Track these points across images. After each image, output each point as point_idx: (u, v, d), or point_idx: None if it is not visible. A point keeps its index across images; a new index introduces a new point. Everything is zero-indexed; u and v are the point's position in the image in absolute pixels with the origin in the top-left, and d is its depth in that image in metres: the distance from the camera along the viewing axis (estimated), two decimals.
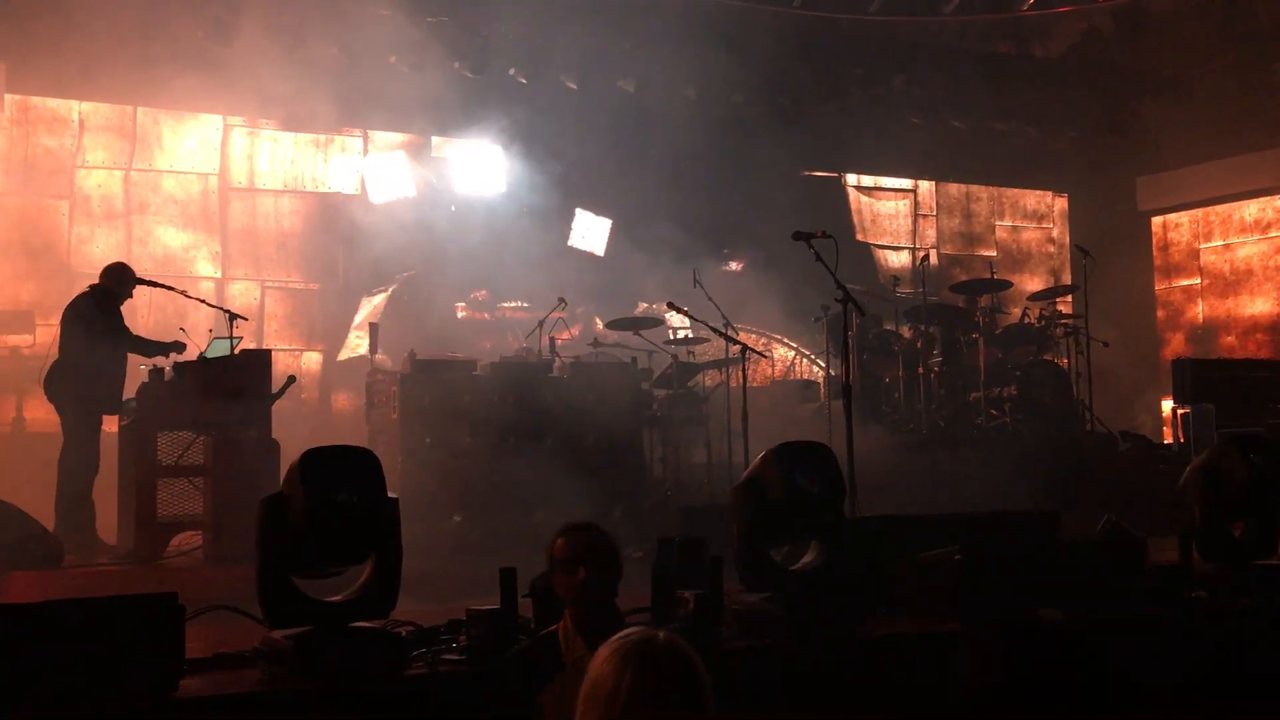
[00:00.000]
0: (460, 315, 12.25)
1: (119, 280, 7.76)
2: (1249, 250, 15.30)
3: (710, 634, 4.11)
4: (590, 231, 12.77)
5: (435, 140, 12.64)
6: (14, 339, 10.31)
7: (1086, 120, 15.03)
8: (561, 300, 9.62)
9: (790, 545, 4.62)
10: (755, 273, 12.64)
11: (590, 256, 12.65)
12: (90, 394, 7.32)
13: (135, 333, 7.79)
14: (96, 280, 7.79)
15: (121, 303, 7.76)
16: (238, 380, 6.85)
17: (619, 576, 3.53)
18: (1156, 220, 16.22)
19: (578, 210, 12.61)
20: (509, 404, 8.16)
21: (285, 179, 12.06)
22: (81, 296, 7.72)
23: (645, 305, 11.80)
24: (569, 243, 12.56)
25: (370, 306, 11.99)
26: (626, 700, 1.92)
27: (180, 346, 7.45)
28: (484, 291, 12.38)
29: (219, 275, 11.66)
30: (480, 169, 12.49)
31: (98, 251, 10.95)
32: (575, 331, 10.86)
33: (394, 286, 12.03)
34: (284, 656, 3.72)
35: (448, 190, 12.44)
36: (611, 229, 12.71)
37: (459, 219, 11.91)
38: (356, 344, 11.72)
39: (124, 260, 8.40)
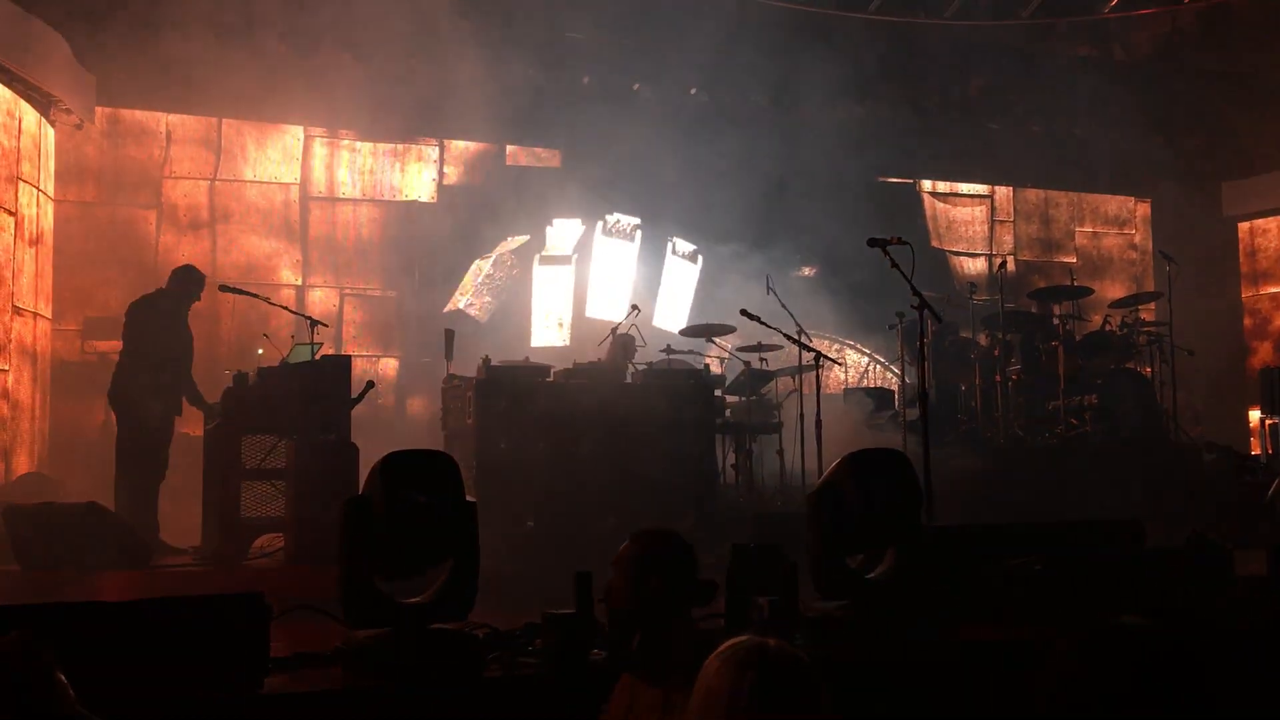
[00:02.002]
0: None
1: (182, 282, 7.93)
2: None
3: (786, 640, 4.09)
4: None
5: (510, 149, 12.78)
6: (103, 345, 10.62)
7: (1170, 124, 14.70)
8: (635, 308, 9.66)
9: (866, 553, 4.58)
10: (829, 279, 12.57)
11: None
12: (147, 398, 7.50)
13: (219, 339, 7.96)
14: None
15: (187, 306, 7.91)
16: (319, 385, 6.98)
17: (696, 586, 3.25)
18: (1243, 225, 15.78)
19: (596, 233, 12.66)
20: (583, 410, 8.20)
21: (364, 188, 12.29)
22: (143, 299, 7.92)
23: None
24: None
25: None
26: (747, 705, 1.91)
27: (214, 411, 7.50)
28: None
29: (300, 283, 11.90)
30: (546, 179, 12.65)
31: (184, 259, 11.18)
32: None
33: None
34: (365, 656, 3.78)
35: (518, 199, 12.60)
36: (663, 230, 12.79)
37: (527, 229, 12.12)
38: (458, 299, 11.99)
39: (209, 268, 8.59)
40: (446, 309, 12.13)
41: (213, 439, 7.45)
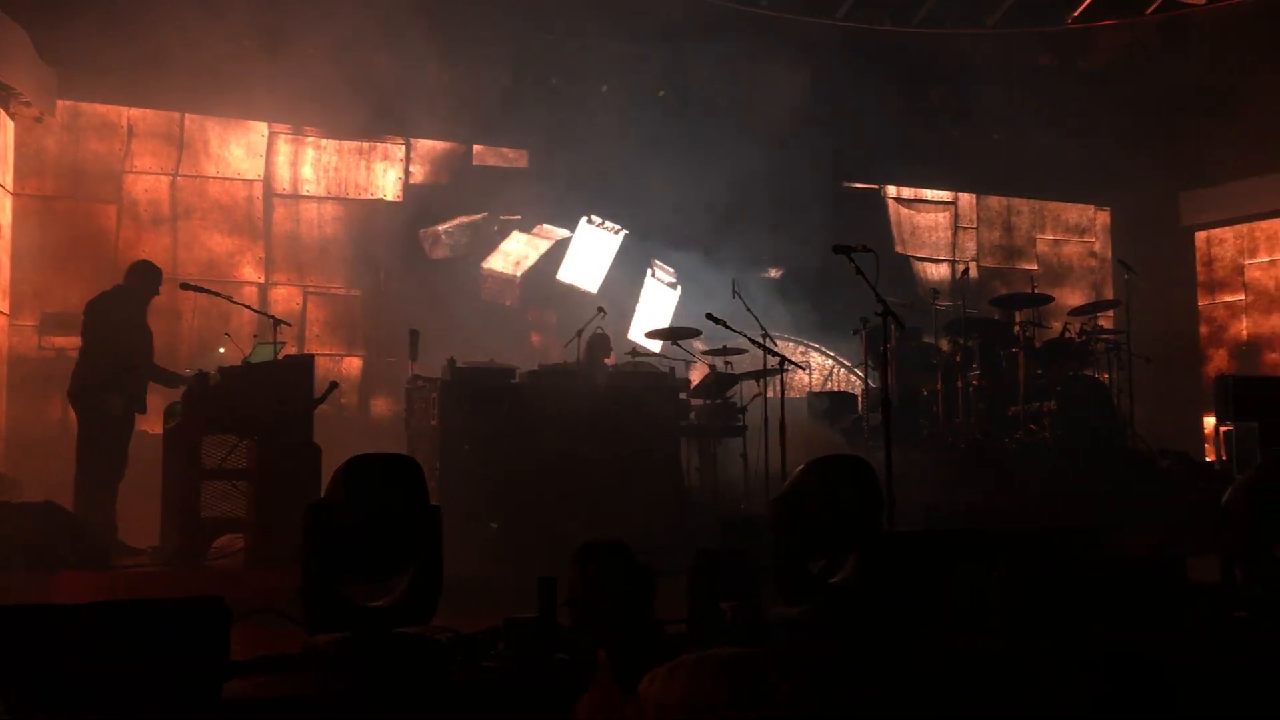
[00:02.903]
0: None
1: (139, 277, 7.85)
2: None
3: (749, 646, 4.11)
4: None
5: (477, 149, 12.75)
6: (61, 341, 10.49)
7: (1130, 134, 14.89)
8: (600, 310, 9.66)
9: (829, 558, 4.62)
10: (794, 282, 12.64)
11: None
12: (107, 395, 7.42)
13: (180, 337, 7.89)
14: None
15: (146, 302, 7.84)
16: (281, 385, 6.93)
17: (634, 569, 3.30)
18: (1200, 235, 16.03)
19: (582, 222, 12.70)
20: (548, 412, 8.20)
21: (328, 185, 12.21)
22: (102, 295, 7.84)
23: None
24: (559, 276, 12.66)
25: None
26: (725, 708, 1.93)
27: (188, 380, 7.43)
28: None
29: (263, 281, 11.80)
30: (513, 179, 12.64)
31: (144, 255, 11.05)
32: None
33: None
34: (326, 661, 3.76)
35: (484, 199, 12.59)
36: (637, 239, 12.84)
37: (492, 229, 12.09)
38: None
39: (170, 265, 8.51)
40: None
41: (173, 438, 7.38)
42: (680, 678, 2.00)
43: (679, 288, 12.91)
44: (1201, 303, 15.94)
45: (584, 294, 12.31)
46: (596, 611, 3.26)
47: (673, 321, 12.18)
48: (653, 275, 12.97)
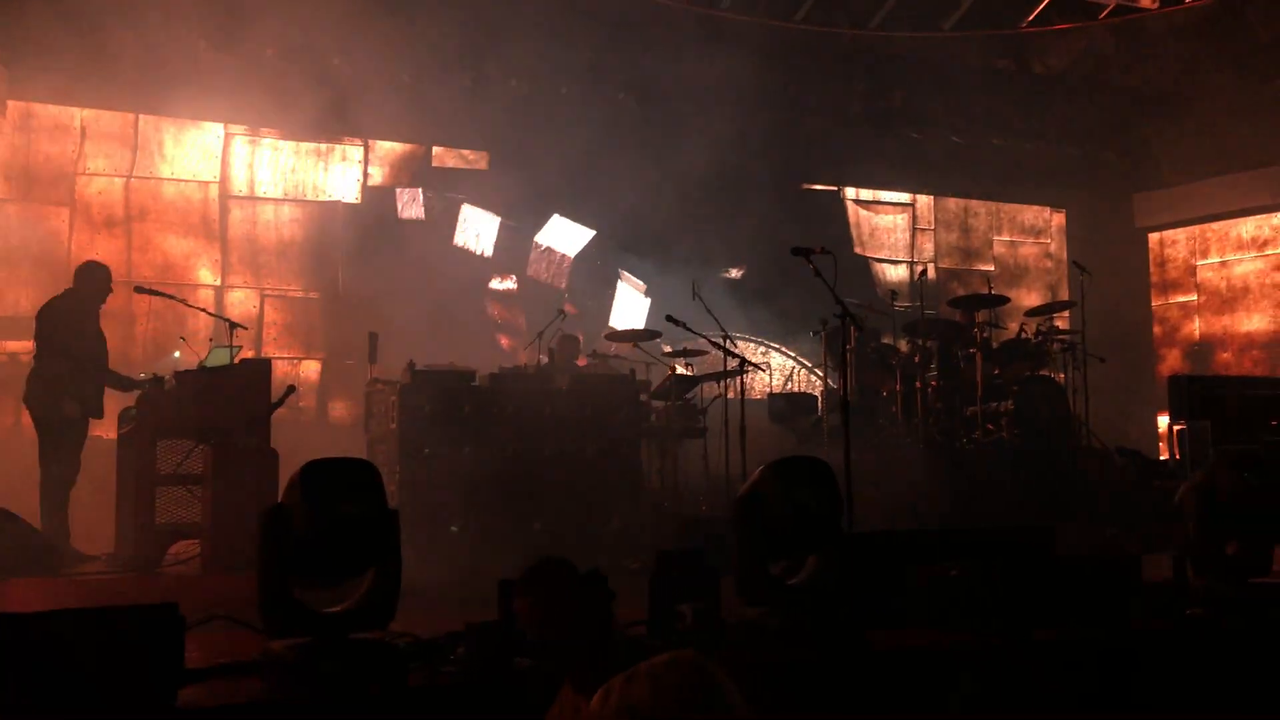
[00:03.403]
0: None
1: (87, 280, 7.75)
2: (1245, 267, 15.36)
3: (708, 647, 4.12)
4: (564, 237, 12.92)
5: (436, 150, 12.69)
6: (12, 345, 10.34)
7: (1084, 136, 15.11)
8: (562, 312, 9.66)
9: (789, 559, 4.64)
10: (755, 283, 12.70)
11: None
12: (62, 399, 7.32)
13: (134, 341, 7.80)
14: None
15: (98, 304, 7.74)
16: (237, 389, 6.86)
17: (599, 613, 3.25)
18: (1154, 237, 16.27)
19: (555, 216, 12.69)
20: (507, 414, 8.17)
21: (286, 187, 12.10)
22: (54, 300, 7.73)
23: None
24: (535, 238, 12.64)
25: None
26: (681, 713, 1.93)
27: (145, 384, 7.35)
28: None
29: (218, 283, 11.68)
30: (475, 181, 12.59)
31: (98, 258, 10.94)
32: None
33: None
34: (283, 667, 3.73)
35: (450, 201, 12.52)
36: (602, 239, 12.83)
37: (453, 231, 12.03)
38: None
39: (124, 267, 8.41)
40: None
41: (127, 443, 7.29)
42: (636, 685, 2.00)
43: (649, 298, 12.94)
44: (1155, 303, 16.18)
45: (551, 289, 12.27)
46: (547, 633, 3.26)
47: (646, 325, 12.19)
48: (622, 280, 12.99)
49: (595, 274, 12.73)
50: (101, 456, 7.75)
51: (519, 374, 8.88)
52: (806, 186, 14.59)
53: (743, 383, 8.71)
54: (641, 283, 12.94)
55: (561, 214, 12.73)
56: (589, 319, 12.28)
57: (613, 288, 13.01)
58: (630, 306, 13.00)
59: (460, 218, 12.49)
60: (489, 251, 12.54)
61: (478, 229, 12.56)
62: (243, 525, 4.29)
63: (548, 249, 12.79)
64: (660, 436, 9.41)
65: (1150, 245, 16.27)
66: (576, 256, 12.76)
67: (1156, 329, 16.11)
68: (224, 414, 6.74)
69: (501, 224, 12.59)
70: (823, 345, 10.29)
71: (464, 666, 3.92)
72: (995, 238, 15.98)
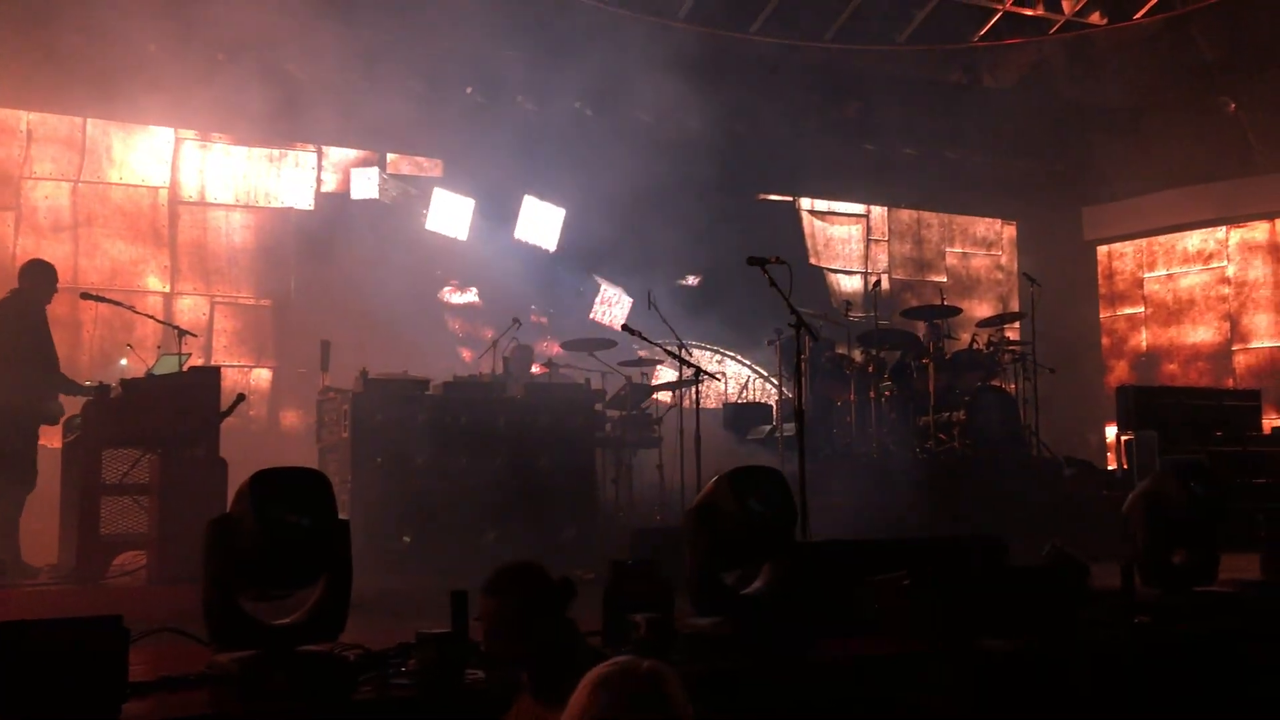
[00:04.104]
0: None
1: (32, 277, 7.60)
2: (1191, 280, 15.63)
3: (661, 658, 4.11)
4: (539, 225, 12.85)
5: (391, 157, 12.61)
6: None
7: (1035, 150, 15.32)
8: (516, 321, 9.64)
9: (743, 569, 4.64)
10: (711, 292, 12.72)
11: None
12: (12, 405, 7.18)
13: (80, 348, 7.67)
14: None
15: (44, 303, 7.60)
16: (185, 397, 6.76)
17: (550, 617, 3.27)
18: (1102, 249, 16.53)
19: (526, 196, 12.58)
20: (462, 424, 8.13)
21: (237, 193, 11.96)
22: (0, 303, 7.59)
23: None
24: (515, 234, 12.54)
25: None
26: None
27: (90, 391, 7.22)
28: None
29: (168, 290, 11.52)
30: (438, 191, 12.49)
31: None
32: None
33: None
34: (230, 680, 3.67)
35: (407, 210, 12.42)
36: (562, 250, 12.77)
37: (414, 240, 11.92)
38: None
39: (71, 273, 8.26)
40: None
41: (72, 452, 7.16)
42: (583, 692, 1.99)
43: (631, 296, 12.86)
44: (1103, 315, 16.42)
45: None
46: (514, 637, 3.23)
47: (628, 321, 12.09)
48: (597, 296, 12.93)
49: (559, 284, 12.63)
50: (45, 466, 7.60)
51: (473, 383, 8.84)
52: (762, 197, 14.66)
53: (698, 392, 8.73)
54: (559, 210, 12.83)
55: (516, 223, 12.64)
56: (559, 324, 12.18)
57: (580, 297, 12.90)
58: (612, 309, 12.91)
59: (431, 201, 12.34)
60: (464, 235, 12.37)
61: (451, 213, 12.41)
62: (190, 536, 4.20)
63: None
64: (615, 446, 9.41)
65: (1099, 258, 16.53)
66: (541, 265, 12.60)
67: (1105, 340, 16.35)
68: (172, 423, 6.62)
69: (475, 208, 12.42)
70: (777, 355, 10.33)
71: (416, 679, 3.87)
72: (948, 249, 16.15)
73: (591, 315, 12.75)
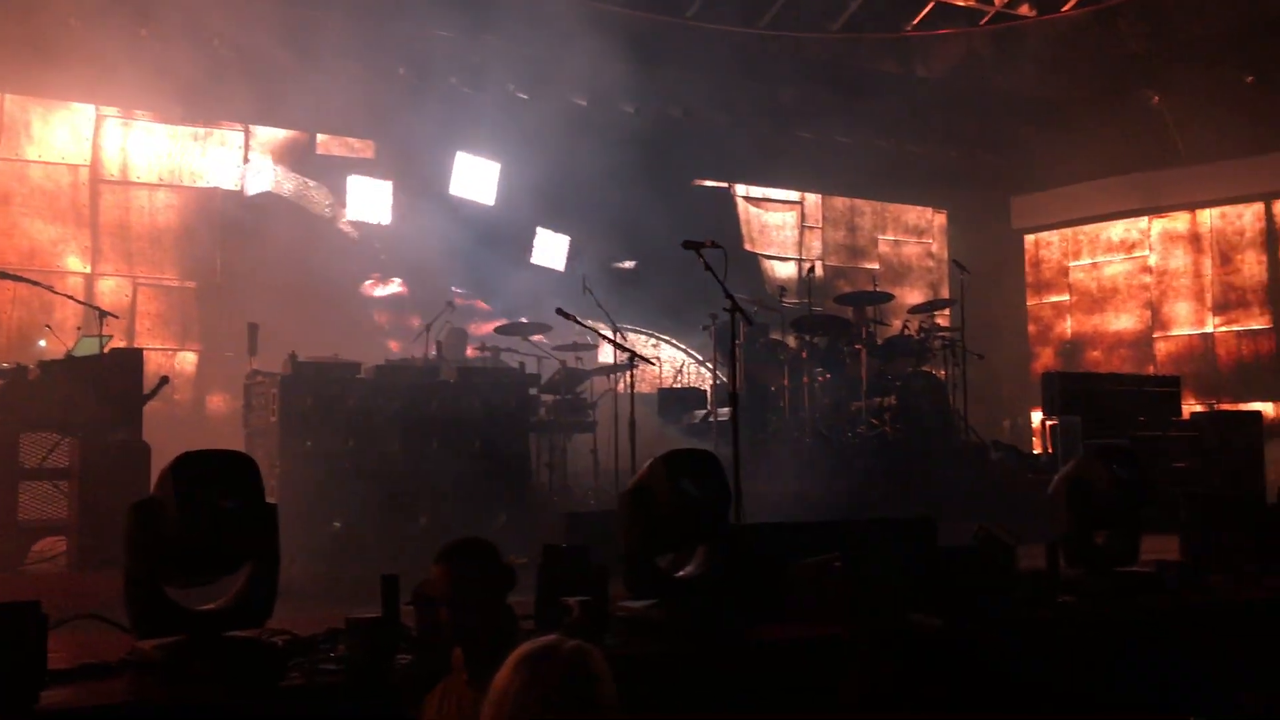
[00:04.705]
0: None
1: None
2: (1115, 269, 15.97)
3: (595, 641, 4.09)
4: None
5: (321, 138, 12.39)
6: None
7: (965, 139, 15.53)
8: (450, 304, 9.54)
9: (676, 552, 4.64)
10: (646, 277, 12.71)
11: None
12: None
13: None
14: None
15: None
16: (107, 380, 6.61)
17: (498, 597, 3.26)
18: (1029, 238, 16.82)
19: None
20: (394, 408, 8.04)
21: (161, 172, 11.67)
22: None
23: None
24: (450, 189, 12.29)
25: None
26: (515, 706, 1.89)
27: (6, 374, 6.99)
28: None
29: (89, 270, 11.22)
30: (362, 169, 12.30)
31: None
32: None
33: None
34: (153, 667, 3.59)
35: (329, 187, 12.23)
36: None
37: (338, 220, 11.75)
38: None
39: None
40: None
41: None
42: (507, 671, 1.97)
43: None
44: (1030, 302, 16.73)
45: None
46: (461, 610, 3.20)
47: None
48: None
49: (500, 242, 12.43)
50: None
51: (405, 367, 8.74)
52: (698, 182, 14.68)
53: (632, 376, 8.72)
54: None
55: (447, 203, 12.45)
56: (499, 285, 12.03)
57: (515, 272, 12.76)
58: (550, 250, 12.78)
59: (348, 190, 12.14)
60: (386, 219, 12.19)
61: (370, 199, 12.21)
62: (112, 522, 4.11)
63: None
64: (549, 430, 9.36)
65: (1026, 246, 16.82)
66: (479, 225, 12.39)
67: (1031, 328, 16.66)
68: (92, 406, 6.48)
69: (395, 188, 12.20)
70: (712, 339, 10.37)
71: (345, 665, 3.81)
72: (880, 236, 16.32)
73: (531, 259, 12.60)
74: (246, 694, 3.58)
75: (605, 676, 2.00)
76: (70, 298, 8.44)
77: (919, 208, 16.62)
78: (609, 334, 8.86)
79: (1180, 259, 15.44)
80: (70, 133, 11.29)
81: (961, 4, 14.53)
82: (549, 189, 11.81)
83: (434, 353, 9.22)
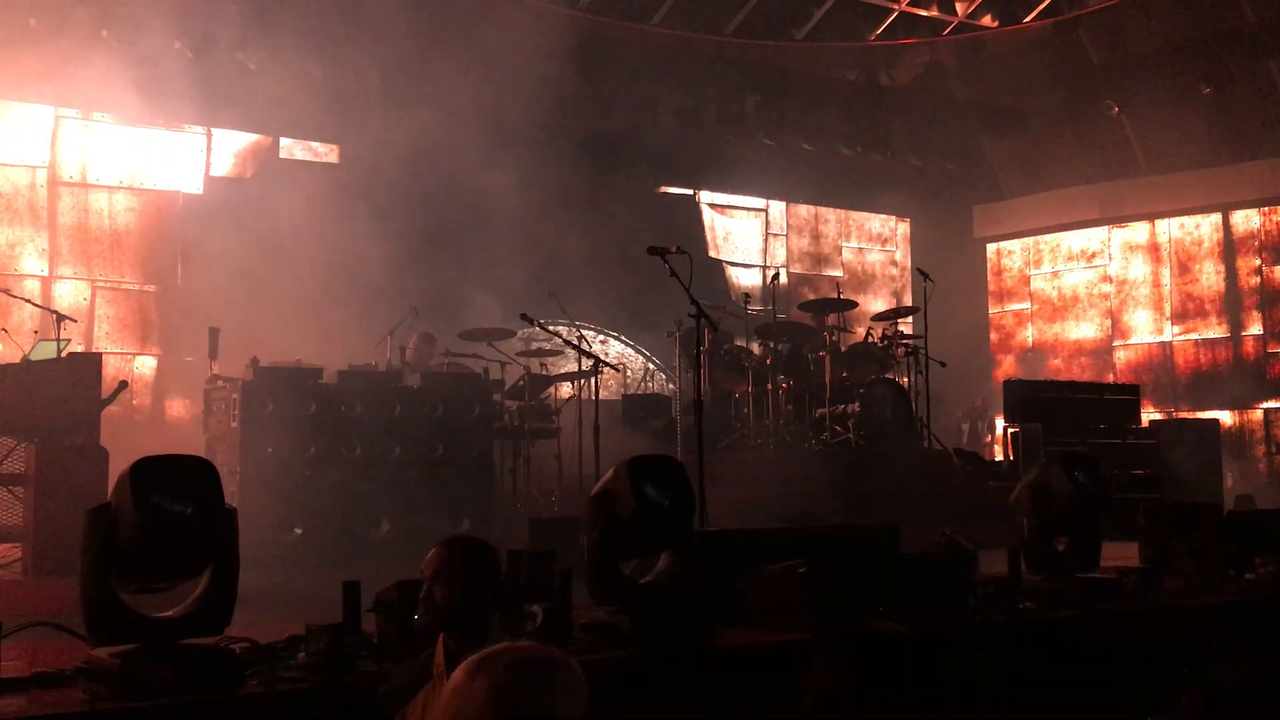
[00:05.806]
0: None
1: None
2: (1075, 278, 16.16)
3: (559, 647, 4.08)
4: None
5: (284, 142, 12.29)
6: None
7: (928, 149, 15.66)
8: (414, 310, 9.49)
9: (640, 559, 4.63)
10: (610, 283, 12.70)
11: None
12: None
13: None
14: None
15: None
16: (64, 385, 6.50)
17: (491, 596, 3.35)
18: (991, 247, 16.99)
19: None
20: (356, 413, 7.98)
21: (121, 175, 11.54)
22: None
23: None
24: None
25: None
26: (477, 712, 1.87)
27: None
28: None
29: (46, 273, 11.07)
30: (323, 175, 12.20)
31: None
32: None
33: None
34: (109, 676, 3.53)
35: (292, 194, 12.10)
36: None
37: (303, 225, 11.62)
38: None
39: None
40: None
41: None
42: (463, 674, 1.94)
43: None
44: (992, 311, 16.89)
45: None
46: (456, 597, 3.27)
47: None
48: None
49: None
50: None
51: (368, 373, 8.68)
52: (663, 189, 14.70)
53: (596, 383, 8.70)
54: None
55: (415, 211, 12.39)
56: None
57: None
58: None
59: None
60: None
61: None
62: (69, 528, 4.05)
63: None
64: (513, 436, 9.33)
65: (988, 255, 16.98)
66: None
67: (993, 336, 16.82)
68: (49, 411, 6.38)
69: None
70: (677, 346, 10.37)
71: (305, 672, 3.78)
72: (844, 244, 16.42)
73: None
74: (205, 702, 3.54)
75: (571, 689, 1.97)
76: (28, 301, 8.34)
77: (882, 216, 16.74)
78: (574, 340, 8.85)
79: (1140, 268, 15.65)
80: (28, 134, 11.14)
81: (925, 14, 14.66)
82: (513, 193, 11.77)
83: (398, 359, 9.17)
